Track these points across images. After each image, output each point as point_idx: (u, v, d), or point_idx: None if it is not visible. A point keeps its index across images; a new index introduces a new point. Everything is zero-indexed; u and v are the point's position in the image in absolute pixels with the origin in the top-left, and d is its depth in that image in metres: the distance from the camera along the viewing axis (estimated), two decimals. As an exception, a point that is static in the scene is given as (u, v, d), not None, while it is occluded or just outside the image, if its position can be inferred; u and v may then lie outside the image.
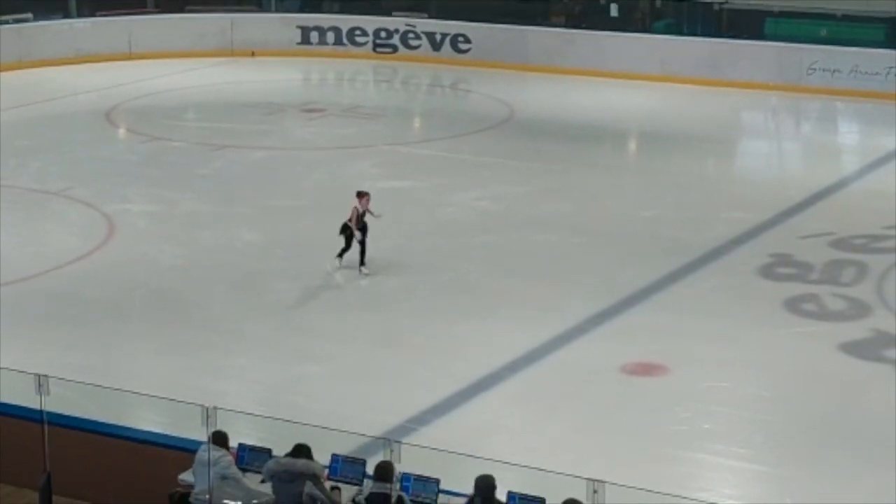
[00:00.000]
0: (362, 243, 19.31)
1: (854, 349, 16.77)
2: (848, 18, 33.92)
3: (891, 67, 31.96)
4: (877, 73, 32.11)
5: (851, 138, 30.98)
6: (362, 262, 19.37)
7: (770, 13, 34.78)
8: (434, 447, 12.01)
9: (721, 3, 35.57)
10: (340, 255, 19.53)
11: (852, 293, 18.74)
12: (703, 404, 15.29)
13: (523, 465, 11.33)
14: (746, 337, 17.23)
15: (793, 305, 18.34)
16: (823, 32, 33.87)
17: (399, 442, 11.68)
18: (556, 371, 16.26)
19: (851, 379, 16.06)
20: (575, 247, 21.02)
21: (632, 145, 30.43)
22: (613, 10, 36.50)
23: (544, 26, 36.78)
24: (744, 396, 15.60)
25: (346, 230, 19.38)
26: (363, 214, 19.31)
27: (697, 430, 14.71)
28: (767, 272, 19.70)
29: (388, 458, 11.27)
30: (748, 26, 34.96)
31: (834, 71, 32.60)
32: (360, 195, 19.38)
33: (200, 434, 11.66)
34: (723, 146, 28.83)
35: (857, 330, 17.40)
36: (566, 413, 15.12)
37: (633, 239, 21.29)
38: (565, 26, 36.96)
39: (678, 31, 36.02)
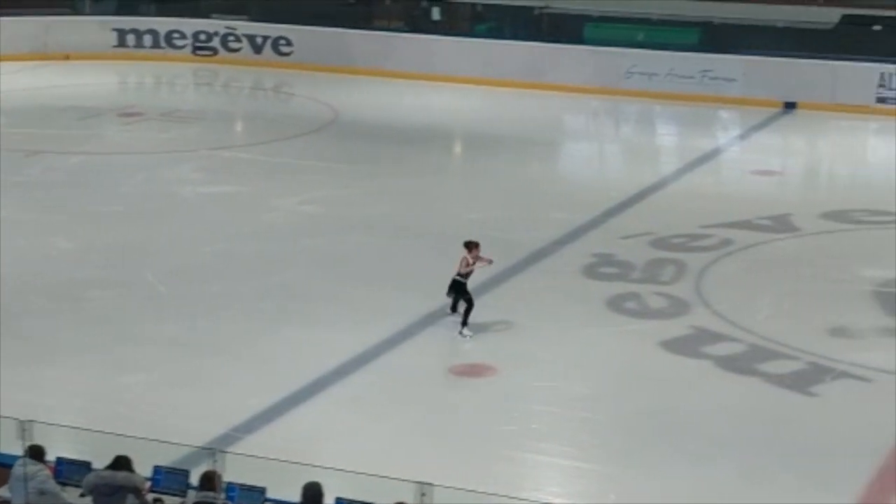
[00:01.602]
0: (469, 300, 17.36)
1: (675, 346, 17.04)
2: (664, 23, 34.64)
3: (705, 71, 32.72)
4: (692, 77, 32.84)
5: (669, 140, 31.59)
6: (465, 323, 17.27)
7: (589, 18, 35.30)
8: (260, 455, 11.81)
9: (541, 8, 35.98)
10: (465, 321, 17.24)
11: (672, 291, 19.07)
12: (530, 404, 15.36)
13: (352, 470, 11.20)
14: (572, 336, 17.38)
15: (616, 304, 18.58)
16: (640, 37, 34.48)
17: (224, 451, 11.46)
18: (385, 374, 16.17)
19: (673, 376, 16.32)
20: (401, 249, 20.97)
21: (457, 147, 30.55)
22: (436, 14, 36.62)
23: (368, 29, 36.73)
24: (570, 395, 15.72)
25: (456, 287, 17.42)
26: (471, 267, 17.41)
27: (525, 430, 14.76)
28: (591, 272, 19.92)
29: (212, 468, 11.04)
30: (568, 30, 35.42)
31: (651, 74, 33.21)
32: (471, 246, 17.48)
33: (16, 448, 11.29)
34: (546, 148, 29.12)
35: (677, 327, 17.70)
36: (395, 416, 15.02)
37: (459, 240, 21.19)
38: (389, 29, 36.96)
39: (500, 35, 36.31)
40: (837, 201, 24.09)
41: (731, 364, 16.53)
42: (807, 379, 16.06)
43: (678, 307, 18.47)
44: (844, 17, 33.19)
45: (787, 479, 13.57)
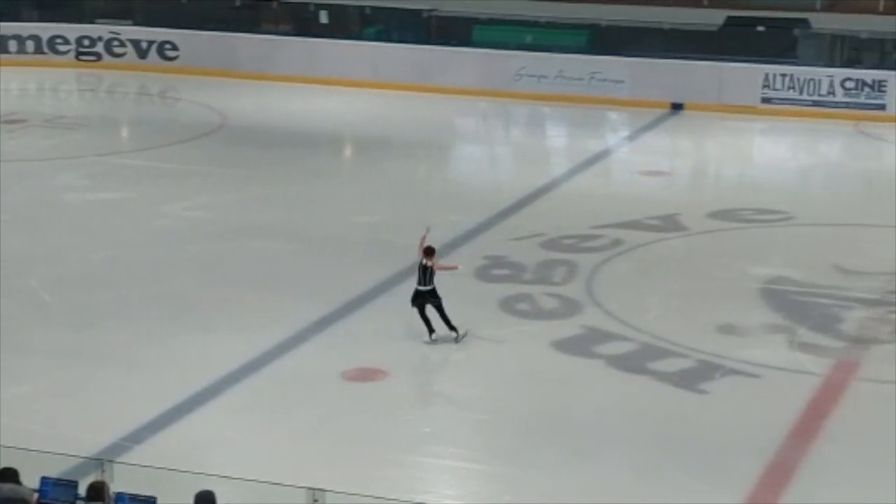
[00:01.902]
0: (437, 305, 16.93)
1: (567, 346, 17.12)
2: (552, 25, 34.83)
3: (593, 73, 32.96)
4: (580, 79, 33.05)
5: (559, 142, 31.76)
6: (453, 328, 16.95)
7: (478, 20, 35.37)
8: (150, 465, 11.62)
9: (430, 11, 35.98)
10: (433, 329, 16.90)
11: (563, 292, 19.16)
12: (423, 407, 15.34)
13: (244, 477, 11.06)
14: (467, 339, 17.33)
15: (508, 306, 18.61)
16: (529, 39, 34.65)
17: (112, 461, 11.25)
18: (277, 380, 16.02)
19: (565, 375, 16.38)
20: (291, 254, 20.80)
21: (347, 151, 30.42)
22: (323, 17, 36.44)
23: (255, 33, 36.43)
24: (463, 398, 15.71)
25: (419, 298, 16.86)
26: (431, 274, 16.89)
27: (418, 434, 14.72)
28: (483, 274, 19.94)
29: (101, 479, 10.83)
30: (457, 33, 35.47)
31: (540, 77, 33.37)
32: (428, 252, 16.93)
33: None
34: (436, 151, 29.12)
35: (568, 327, 17.78)
36: (287, 422, 14.88)
37: (351, 245, 21.24)
38: (276, 33, 36.70)
39: (388, 38, 36.24)
40: (724, 201, 24.39)
41: (622, 363, 16.64)
42: (696, 376, 16.22)
43: (570, 307, 18.56)
44: (729, 18, 33.64)
45: (679, 476, 13.69)
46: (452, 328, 16.98)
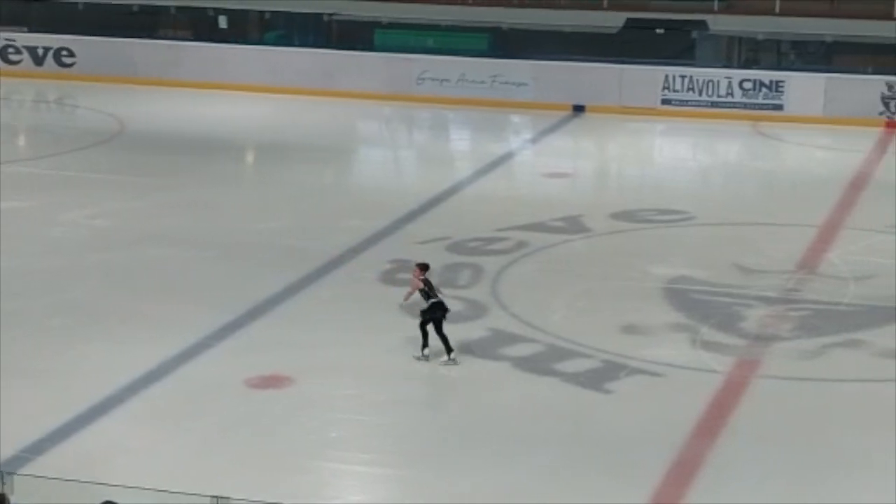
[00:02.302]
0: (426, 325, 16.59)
1: (473, 349, 17.11)
2: (454, 29, 34.92)
3: (495, 76, 33.08)
4: (482, 82, 33.18)
5: (462, 145, 31.83)
6: (449, 349, 16.54)
7: (379, 24, 35.37)
8: (51, 476, 11.42)
9: (330, 15, 35.89)
10: (426, 344, 16.56)
11: (469, 295, 19.17)
12: (329, 413, 15.24)
13: (147, 487, 10.92)
14: (370, 343, 17.29)
15: (413, 310, 18.50)
16: (431, 42, 34.70)
17: (13, 473, 11.04)
18: (180, 388, 15.84)
19: (472, 378, 16.37)
20: (194, 261, 20.60)
21: (248, 157, 30.22)
22: (222, 22, 36.21)
23: (153, 38, 36.06)
24: (369, 402, 15.65)
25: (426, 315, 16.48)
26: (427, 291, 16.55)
27: (325, 439, 14.62)
28: (388, 278, 19.89)
29: (1, 491, 10.62)
30: (358, 37, 35.46)
31: (442, 80, 33.44)
32: (424, 268, 16.67)
33: None
34: (339, 156, 29.03)
35: (475, 330, 17.78)
36: (192, 430, 14.72)
37: (254, 251, 21.08)
38: (175, 38, 36.36)
39: (289, 43, 36.10)
40: (627, 201, 24.61)
41: (528, 364, 16.68)
42: (601, 376, 16.31)
43: (476, 310, 18.57)
44: (629, 20, 33.97)
45: (586, 475, 13.75)
46: (449, 349, 16.56)
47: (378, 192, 25.80)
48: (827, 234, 21.26)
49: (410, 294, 16.89)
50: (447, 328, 16.59)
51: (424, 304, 16.67)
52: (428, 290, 16.57)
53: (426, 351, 16.63)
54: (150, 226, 22.30)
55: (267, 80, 33.89)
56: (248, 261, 20.57)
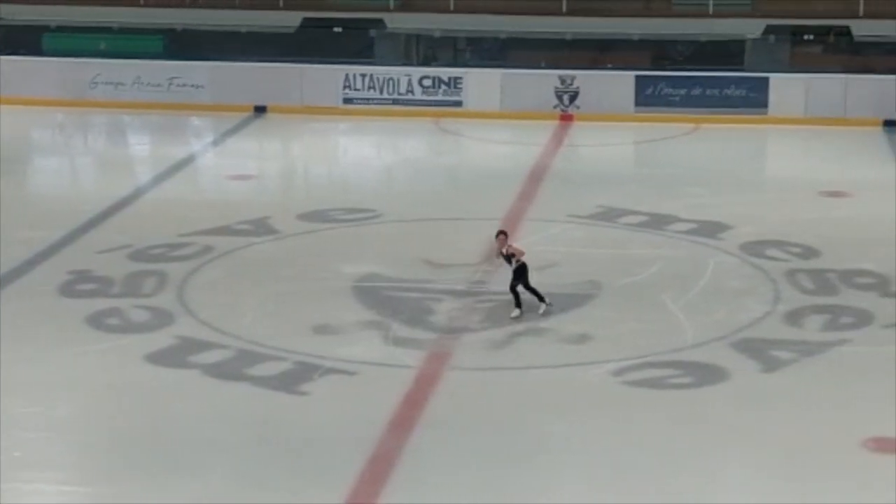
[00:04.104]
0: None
1: (160, 358, 16.65)
2: (126, 31, 34.18)
3: (172, 78, 32.50)
4: (159, 85, 32.55)
5: (141, 150, 31.10)
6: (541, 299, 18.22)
7: (48, 28, 34.26)
8: None
9: (-1, 21, 34.57)
10: (519, 304, 18.10)
11: (154, 303, 18.66)
12: (13, 431, 14.49)
13: None
14: (53, 358, 16.62)
15: (96, 321, 17.95)
16: (102, 46, 33.86)
17: None
18: None
19: (161, 388, 15.92)
20: None
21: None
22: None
23: None
24: (56, 418, 15.00)
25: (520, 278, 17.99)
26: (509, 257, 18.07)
27: (7, 460, 13.87)
28: (67, 290, 19.17)
29: None
30: (26, 42, 34.25)
31: (117, 84, 32.66)
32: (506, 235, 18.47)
33: None
34: (11, 166, 27.81)
35: (161, 339, 17.31)
36: None
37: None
38: None
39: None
40: (314, 202, 24.51)
41: (218, 371, 16.34)
42: (295, 378, 16.12)
43: (162, 318, 18.08)
44: (305, 20, 33.94)
45: (282, 478, 13.54)
46: (541, 298, 18.15)
47: (54, 201, 24.89)
48: (510, 226, 21.63)
49: (490, 256, 18.74)
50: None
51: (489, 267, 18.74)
52: (509, 256, 18.00)
53: (521, 310, 17.98)
54: None
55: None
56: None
